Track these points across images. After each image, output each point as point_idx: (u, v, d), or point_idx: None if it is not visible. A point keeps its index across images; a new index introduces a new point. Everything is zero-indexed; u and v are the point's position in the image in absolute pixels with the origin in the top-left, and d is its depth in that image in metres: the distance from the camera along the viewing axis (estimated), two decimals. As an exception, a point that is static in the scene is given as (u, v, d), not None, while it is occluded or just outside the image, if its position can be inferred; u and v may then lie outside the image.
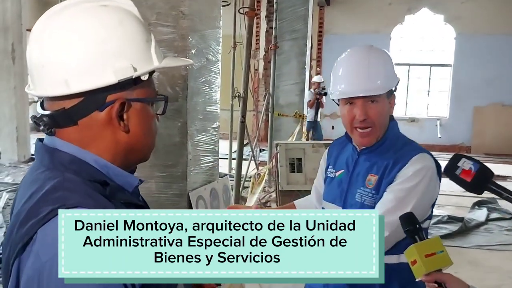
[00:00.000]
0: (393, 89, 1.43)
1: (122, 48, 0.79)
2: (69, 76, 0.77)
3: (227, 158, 7.07)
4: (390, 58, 1.46)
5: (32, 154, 7.90)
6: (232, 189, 3.43)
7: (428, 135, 10.05)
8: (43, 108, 0.82)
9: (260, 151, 7.80)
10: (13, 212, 0.83)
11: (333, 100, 1.51)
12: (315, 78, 8.68)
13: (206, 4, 2.34)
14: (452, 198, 5.84)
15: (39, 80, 0.80)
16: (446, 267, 1.00)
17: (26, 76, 7.60)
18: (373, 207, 1.38)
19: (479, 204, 5.70)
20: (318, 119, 8.71)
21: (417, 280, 1.00)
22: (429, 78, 10.86)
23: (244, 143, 4.16)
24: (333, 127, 10.97)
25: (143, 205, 0.89)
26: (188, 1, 2.13)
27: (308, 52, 6.93)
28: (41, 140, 0.85)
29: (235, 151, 6.76)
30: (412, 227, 1.05)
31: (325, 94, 8.07)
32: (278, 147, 4.43)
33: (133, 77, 0.80)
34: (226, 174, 6.50)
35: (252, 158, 5.90)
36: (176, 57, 0.98)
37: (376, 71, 1.38)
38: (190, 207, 2.21)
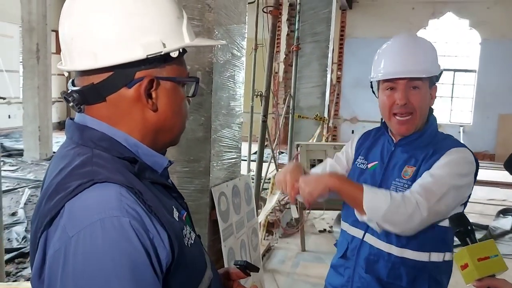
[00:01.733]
0: (435, 80, 1.40)
1: (151, 22, 0.77)
2: (96, 48, 0.75)
3: (246, 160, 7.04)
4: (435, 48, 1.43)
5: (54, 152, 8.02)
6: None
7: (451, 142, 9.84)
8: (73, 85, 0.80)
9: (279, 153, 7.75)
10: (43, 186, 0.81)
11: (372, 90, 1.47)
12: None
13: (232, -1, 2.31)
14: (476, 205, 5.69)
15: (68, 54, 0.79)
16: (500, 273, 0.93)
17: (50, 76, 7.75)
18: None
19: (504, 212, 5.54)
20: None
21: (467, 285, 0.94)
22: (453, 84, 10.66)
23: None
24: (353, 131, 10.86)
25: (172, 187, 0.86)
26: (215, -5, 2.11)
27: (330, 55, 6.87)
28: (72, 118, 0.83)
29: (254, 153, 6.74)
30: (463, 228, 0.99)
31: None
32: (299, 148, 4.38)
33: (162, 53, 0.77)
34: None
35: (272, 160, 5.84)
36: (207, 38, 0.94)
37: (421, 55, 1.36)
38: (212, 203, 2.18)
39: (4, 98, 2.72)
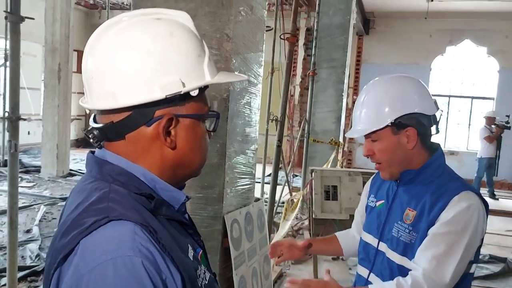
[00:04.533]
0: (404, 124, 1.31)
1: (171, 61, 0.77)
2: (116, 89, 0.76)
3: (259, 182, 7.03)
4: (399, 88, 1.35)
5: (71, 170, 8.12)
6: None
7: (468, 170, 9.65)
8: (95, 121, 0.82)
9: (293, 176, 7.72)
10: (60, 221, 0.82)
11: None
12: (488, 113, 8.54)
13: (250, 28, 2.36)
14: (494, 237, 5.56)
15: (90, 92, 0.81)
16: None
17: (70, 95, 7.92)
18: (408, 244, 1.33)
19: (523, 245, 5.39)
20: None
21: None
22: (470, 111, 10.56)
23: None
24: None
25: (188, 224, 0.87)
26: (233, 24, 2.16)
27: (346, 81, 6.90)
28: (92, 152, 0.85)
29: (268, 175, 6.73)
30: None
31: (508, 127, 8.04)
32: (313, 173, 4.36)
33: (182, 93, 0.77)
34: (259, 199, 6.45)
35: (286, 184, 5.83)
36: (229, 72, 0.96)
37: (370, 109, 1.36)
38: (225, 231, 2.17)
39: (25, 119, 2.78)
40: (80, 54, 11.78)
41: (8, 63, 7.09)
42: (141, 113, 0.77)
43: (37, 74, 10.29)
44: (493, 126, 8.22)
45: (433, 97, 1.40)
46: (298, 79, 11.31)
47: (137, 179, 0.79)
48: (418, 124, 1.32)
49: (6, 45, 7.92)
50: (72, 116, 8.41)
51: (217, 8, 2.14)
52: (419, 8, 8.79)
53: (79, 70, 12.19)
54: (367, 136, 1.36)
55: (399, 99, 1.33)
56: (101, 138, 0.80)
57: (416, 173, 1.36)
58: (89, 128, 0.81)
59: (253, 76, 2.46)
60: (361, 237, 1.54)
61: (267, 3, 2.70)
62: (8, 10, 2.61)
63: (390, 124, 1.31)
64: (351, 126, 1.51)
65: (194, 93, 0.80)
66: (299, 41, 10.85)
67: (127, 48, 0.76)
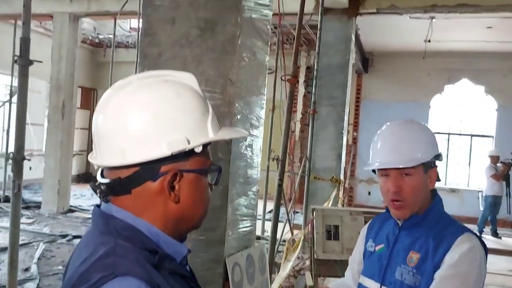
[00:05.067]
0: (432, 163, 1.40)
1: (177, 120, 0.82)
2: (125, 147, 0.80)
3: (260, 219, 6.99)
4: (428, 132, 1.45)
5: (71, 206, 8.10)
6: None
7: (469, 208, 9.63)
8: (102, 175, 0.85)
9: (295, 213, 7.68)
10: (66, 274, 0.84)
11: (374, 172, 1.51)
12: (492, 152, 8.66)
13: (252, 72, 2.43)
14: (497, 277, 5.47)
15: (99, 149, 0.84)
16: None
17: (73, 131, 8.00)
18: (412, 287, 1.34)
19: (528, 286, 5.30)
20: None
21: None
22: (470, 149, 10.61)
23: (280, 207, 4.11)
24: (369, 193, 10.76)
25: (189, 276, 0.88)
26: (236, 70, 2.22)
27: (346, 118, 6.98)
28: (98, 206, 0.87)
29: (269, 212, 6.68)
30: None
31: None
32: (314, 212, 4.35)
33: (187, 149, 0.81)
34: (261, 237, 6.39)
35: (287, 221, 5.79)
36: (231, 128, 1.00)
37: (409, 144, 1.39)
38: (226, 274, 2.16)
39: (29, 159, 2.82)
40: (84, 90, 11.99)
41: (13, 99, 7.22)
42: (147, 169, 0.81)
43: (41, 110, 10.43)
44: (498, 164, 8.29)
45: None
46: (298, 115, 11.43)
47: (142, 234, 0.81)
48: (436, 166, 1.42)
49: (12, 81, 8.09)
50: (74, 151, 8.47)
51: (221, 54, 2.22)
52: (417, 48, 8.99)
53: (82, 106, 12.38)
54: (398, 170, 1.37)
55: (433, 140, 1.44)
56: (108, 193, 0.83)
57: (422, 218, 1.40)
58: (96, 184, 0.84)
59: (255, 118, 2.51)
60: (360, 283, 1.53)
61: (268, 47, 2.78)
62: (18, 54, 2.70)
63: (425, 162, 1.38)
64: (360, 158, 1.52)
65: (198, 149, 0.83)
66: (300, 78, 11.04)
67: (137, 109, 0.81)
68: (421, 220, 1.40)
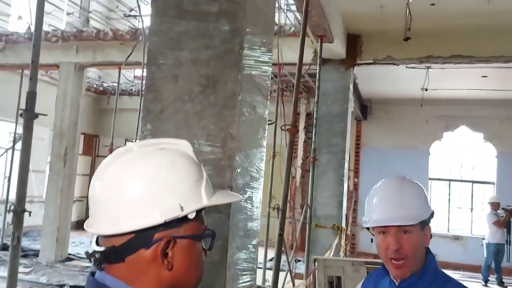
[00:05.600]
0: (427, 221, 1.43)
1: (171, 188, 0.84)
2: (120, 214, 0.82)
3: (261, 268, 6.86)
4: (423, 190, 1.49)
5: (69, 254, 7.98)
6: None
7: (473, 255, 9.46)
8: (97, 243, 0.86)
9: (296, 261, 7.55)
10: None
11: (368, 229, 1.51)
12: (492, 199, 8.64)
13: (252, 126, 2.48)
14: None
15: (95, 216, 0.87)
16: None
17: (74, 178, 8.02)
18: None
19: None
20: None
21: None
22: (471, 195, 10.57)
23: (281, 258, 4.06)
24: (372, 240, 10.56)
25: None
26: (237, 124, 2.28)
27: (346, 165, 7.01)
28: (93, 274, 0.88)
29: (270, 260, 6.55)
30: None
31: None
32: (316, 263, 4.29)
33: (180, 216, 0.83)
34: (261, 287, 6.26)
35: (288, 271, 5.69)
36: (225, 192, 1.02)
37: (408, 201, 1.41)
38: (225, 330, 2.12)
39: (30, 212, 2.83)
40: (86, 136, 12.12)
41: (16, 146, 7.29)
42: (141, 237, 0.82)
43: (43, 156, 10.49)
44: (499, 211, 8.24)
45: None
46: (299, 161, 11.47)
47: None
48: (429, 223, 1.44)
49: (16, 129, 8.19)
50: (74, 197, 8.44)
51: (222, 110, 2.28)
52: (415, 95, 9.17)
53: (84, 153, 12.46)
54: (398, 227, 1.38)
55: (426, 198, 1.46)
56: (102, 261, 0.84)
57: (420, 276, 1.39)
58: (91, 252, 0.85)
59: (255, 171, 2.54)
60: None
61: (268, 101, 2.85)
62: (24, 108, 2.77)
63: (423, 220, 1.40)
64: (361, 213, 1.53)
65: (192, 215, 0.85)
66: (300, 125, 11.18)
67: (132, 177, 0.84)
68: (418, 279, 1.39)
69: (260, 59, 2.56)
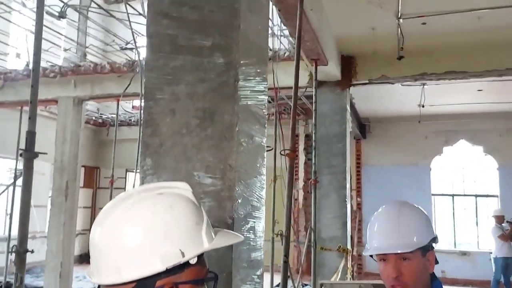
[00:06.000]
0: (429, 246, 1.42)
1: (171, 233, 0.84)
2: (120, 263, 0.82)
3: (268, 295, 6.76)
4: (423, 215, 1.47)
5: (73, 290, 7.89)
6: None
7: (482, 271, 9.33)
8: None
9: (303, 286, 7.45)
10: None
11: (371, 256, 1.51)
12: (496, 212, 8.55)
13: (251, 155, 2.49)
14: None
15: (97, 266, 0.87)
16: None
17: (76, 211, 7.98)
18: None
19: None
20: None
21: None
22: (476, 209, 10.51)
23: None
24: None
25: None
26: (235, 155, 2.29)
27: (348, 186, 6.99)
28: None
29: (276, 286, 6.47)
30: None
31: None
32: (323, 287, 4.24)
33: (181, 262, 0.83)
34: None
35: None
36: (226, 232, 1.02)
37: (407, 228, 1.40)
38: None
39: (32, 251, 2.82)
40: (87, 169, 12.13)
41: (17, 182, 7.28)
42: (143, 285, 0.82)
43: (45, 191, 10.48)
44: (503, 224, 8.17)
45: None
46: (300, 183, 11.45)
47: None
48: (433, 249, 1.43)
49: (16, 165, 8.20)
50: (76, 231, 8.39)
51: (220, 142, 2.30)
52: (412, 112, 9.22)
53: (85, 185, 12.45)
54: (397, 255, 1.37)
55: (428, 223, 1.45)
56: None
57: None
58: None
59: (256, 200, 2.54)
60: None
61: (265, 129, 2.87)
62: (23, 148, 2.79)
63: (422, 246, 1.38)
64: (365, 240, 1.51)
65: (193, 261, 0.85)
66: (299, 146, 11.20)
67: (131, 224, 0.84)
68: None
69: (255, 89, 2.59)
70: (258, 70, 2.64)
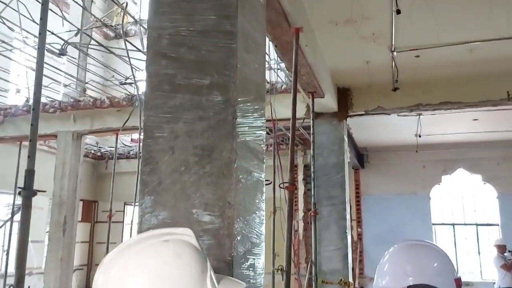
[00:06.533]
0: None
1: (176, 283, 0.85)
2: None
3: (269, 331, 6.62)
4: (440, 256, 1.40)
5: (69, 328, 7.70)
6: None
7: (487, 302, 9.20)
8: None
9: (305, 321, 7.29)
10: None
11: None
12: (498, 241, 8.48)
13: (250, 191, 2.50)
14: None
15: None
16: None
17: (74, 246, 7.89)
18: None
19: None
20: None
21: None
22: (477, 238, 10.42)
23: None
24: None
25: None
26: (234, 192, 2.30)
27: (347, 217, 6.96)
28: None
29: (277, 323, 6.33)
30: None
31: None
32: (324, 324, 4.17)
33: None
34: None
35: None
36: (229, 279, 1.03)
37: (419, 271, 1.34)
38: None
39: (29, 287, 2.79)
40: (85, 203, 12.04)
41: (15, 217, 7.23)
42: None
43: (42, 226, 10.38)
44: (506, 254, 8.10)
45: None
46: (300, 214, 11.37)
47: None
48: None
49: (14, 201, 8.16)
50: (74, 266, 8.27)
51: (218, 179, 2.31)
52: (409, 142, 9.28)
53: (83, 219, 12.34)
54: None
55: (447, 265, 1.39)
56: None
57: None
58: None
59: (255, 236, 2.53)
60: None
61: (264, 148, 2.89)
62: (22, 186, 2.79)
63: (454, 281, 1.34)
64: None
65: None
66: (298, 176, 11.19)
67: (137, 273, 0.85)
68: None
69: (253, 125, 2.63)
70: (256, 107, 2.69)
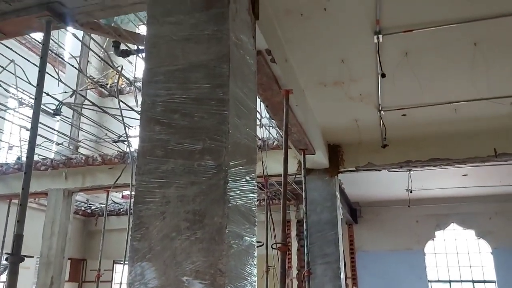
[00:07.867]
0: None
1: None
2: None
3: None
4: None
5: None
6: None
7: None
8: None
9: None
10: None
11: None
12: None
13: (241, 257, 2.48)
14: None
15: None
16: None
17: (59, 310, 7.58)
18: None
19: None
20: None
21: None
22: (475, 297, 10.23)
23: None
24: None
25: None
26: (226, 258, 2.28)
27: (342, 275, 6.83)
28: None
29: None
30: None
31: None
32: None
33: None
34: None
35: None
36: None
37: None
38: None
39: None
40: (73, 262, 11.71)
41: (1, 278, 6.98)
42: None
43: (28, 286, 10.01)
44: None
45: None
46: (294, 271, 11.12)
47: None
48: None
49: (1, 260, 7.94)
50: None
51: (210, 244, 2.30)
52: (401, 197, 9.31)
53: (71, 279, 11.94)
54: None
55: None
56: None
57: None
58: None
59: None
60: None
61: (257, 201, 2.88)
62: (10, 251, 2.74)
63: None
64: None
65: None
66: (292, 232, 11.05)
67: None
68: None
69: (244, 188, 2.65)
70: (247, 170, 2.72)
